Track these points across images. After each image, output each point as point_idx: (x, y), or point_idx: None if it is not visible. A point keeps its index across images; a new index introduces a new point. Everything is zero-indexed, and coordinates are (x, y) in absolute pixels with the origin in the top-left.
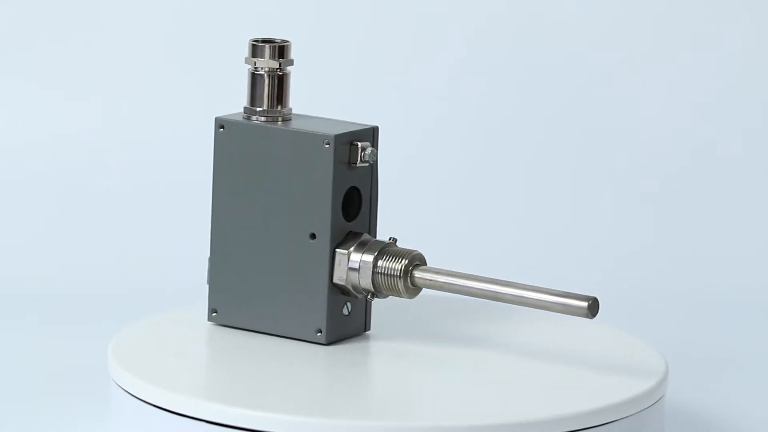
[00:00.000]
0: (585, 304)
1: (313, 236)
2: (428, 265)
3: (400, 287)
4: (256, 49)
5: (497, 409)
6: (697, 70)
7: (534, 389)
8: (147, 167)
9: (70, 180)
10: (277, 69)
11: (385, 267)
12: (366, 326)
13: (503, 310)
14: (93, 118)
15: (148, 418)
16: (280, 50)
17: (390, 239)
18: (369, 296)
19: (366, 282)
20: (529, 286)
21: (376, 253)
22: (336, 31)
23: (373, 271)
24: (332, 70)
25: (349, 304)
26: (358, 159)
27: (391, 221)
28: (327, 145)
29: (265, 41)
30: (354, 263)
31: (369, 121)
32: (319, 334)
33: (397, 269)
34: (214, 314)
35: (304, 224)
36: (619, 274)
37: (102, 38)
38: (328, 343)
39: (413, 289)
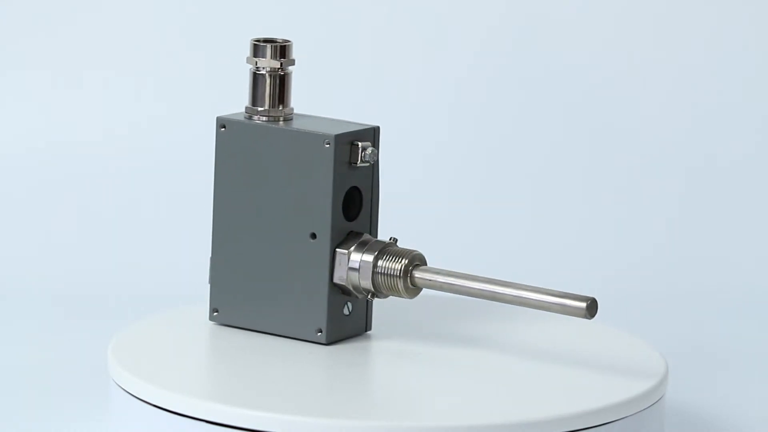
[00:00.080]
0: (583, 304)
1: (313, 236)
2: (429, 265)
3: (400, 287)
4: (257, 48)
5: (497, 409)
6: (699, 71)
7: (534, 389)
8: (147, 167)
9: (70, 180)
10: (278, 69)
11: (385, 267)
12: (367, 326)
13: (503, 310)
14: (92, 118)
15: (148, 418)
16: (282, 50)
17: (390, 239)
18: (369, 296)
19: (366, 282)
20: (528, 286)
21: (376, 253)
22: (339, 31)
23: (373, 271)
24: (334, 70)
25: (349, 303)
26: (359, 159)
27: (392, 221)
28: (327, 145)
29: (266, 41)
30: (354, 263)
31: (371, 122)
32: (319, 333)
33: (397, 269)
34: (215, 314)
35: (304, 224)
36: (620, 274)
37: (102, 38)
38: (329, 343)
39: (413, 289)
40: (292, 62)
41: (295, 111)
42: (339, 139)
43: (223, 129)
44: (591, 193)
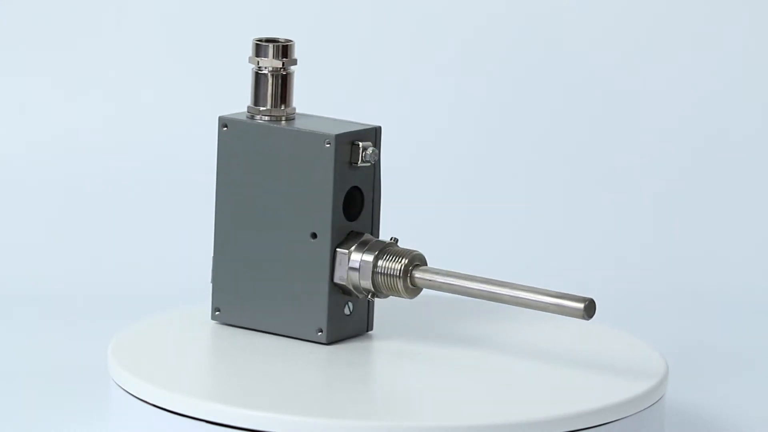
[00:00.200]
0: (581, 305)
1: (314, 236)
2: (429, 265)
3: (399, 287)
4: (259, 48)
5: (497, 409)
6: (697, 70)
7: (534, 389)
8: (148, 167)
9: (70, 180)
10: (280, 68)
11: (385, 267)
12: (368, 326)
13: (504, 310)
14: (93, 117)
15: (148, 418)
16: (284, 50)
17: (391, 239)
18: (369, 296)
19: (366, 282)
20: (526, 286)
21: (376, 253)
22: (340, 31)
23: (373, 271)
24: (335, 70)
25: (350, 303)
26: (360, 159)
27: (393, 221)
28: (328, 145)
29: (268, 41)
30: (354, 263)
31: (372, 122)
32: (319, 333)
33: (397, 269)
34: (217, 313)
35: (305, 223)
36: (619, 274)
37: (103, 38)
38: (329, 343)
39: (413, 289)
40: (294, 62)
41: (299, 111)
42: (339, 138)
43: (225, 128)
44: (592, 192)
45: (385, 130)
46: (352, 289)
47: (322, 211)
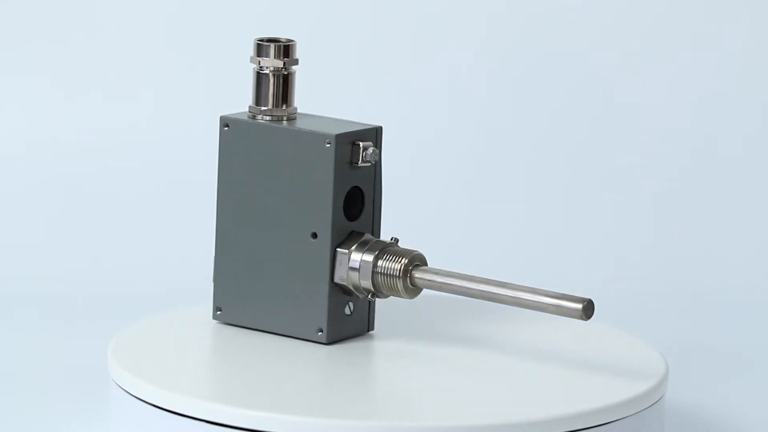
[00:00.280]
0: (579, 306)
1: (314, 235)
2: (430, 265)
3: (399, 287)
4: (261, 48)
5: (497, 409)
6: (697, 70)
7: (534, 389)
8: (148, 167)
9: (70, 180)
10: (281, 68)
11: (384, 267)
12: (369, 326)
13: (504, 310)
14: (93, 117)
15: (148, 418)
16: (285, 49)
17: (392, 239)
18: (369, 296)
19: (366, 282)
20: (525, 287)
21: (376, 253)
22: (341, 31)
23: (372, 271)
24: (335, 70)
25: (351, 303)
26: (360, 159)
27: (394, 221)
28: (328, 145)
29: (270, 41)
30: (354, 263)
31: (372, 122)
32: (320, 333)
33: (397, 269)
34: (218, 312)
35: (305, 223)
36: (619, 274)
37: (103, 38)
38: (329, 343)
39: (413, 289)
40: (296, 62)
41: (302, 111)
42: (340, 138)
43: (226, 128)
44: (592, 192)
45: (386, 130)
46: (352, 289)
47: (323, 211)
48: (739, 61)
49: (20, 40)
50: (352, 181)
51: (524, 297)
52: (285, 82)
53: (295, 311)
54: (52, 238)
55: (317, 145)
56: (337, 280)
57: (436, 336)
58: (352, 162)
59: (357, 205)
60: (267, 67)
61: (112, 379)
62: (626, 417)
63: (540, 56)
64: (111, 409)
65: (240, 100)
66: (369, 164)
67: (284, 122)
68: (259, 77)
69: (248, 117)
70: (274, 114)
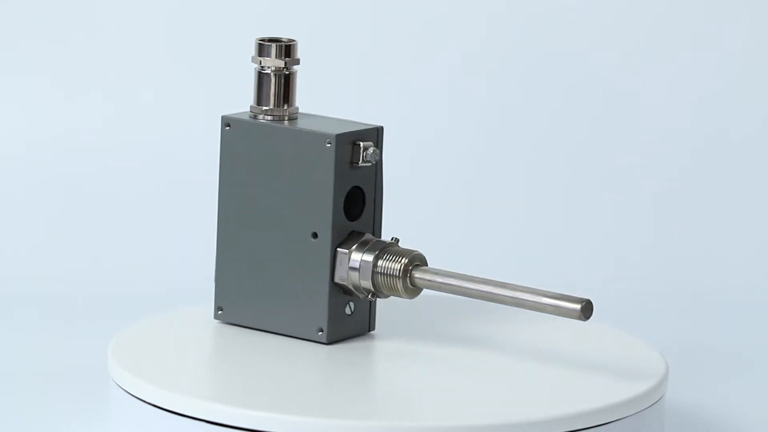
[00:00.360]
0: (578, 306)
1: (315, 235)
2: (430, 265)
3: (399, 287)
4: (262, 48)
5: (497, 409)
6: (697, 70)
7: (534, 389)
8: (148, 167)
9: (70, 180)
10: (283, 68)
11: (384, 267)
12: (370, 326)
13: (504, 310)
14: (93, 117)
15: (148, 418)
16: (287, 49)
17: (392, 239)
18: (369, 296)
19: (366, 282)
20: (524, 287)
21: (376, 253)
22: (341, 31)
23: (372, 271)
24: (335, 70)
25: (351, 303)
26: (361, 159)
27: (394, 221)
28: (328, 145)
29: (271, 40)
30: (355, 263)
31: (372, 122)
32: (320, 333)
33: (396, 269)
34: (219, 312)
35: (306, 223)
36: (619, 274)
37: (103, 37)
38: (330, 343)
39: (413, 289)
40: (297, 61)
41: (305, 111)
42: (340, 138)
43: (227, 128)
44: (592, 192)
45: (386, 130)
46: (352, 288)
47: (323, 211)
48: (739, 61)
49: (20, 40)
50: (353, 181)
51: (523, 297)
52: (286, 82)
53: (295, 311)
54: (52, 238)
55: (318, 145)
56: (337, 280)
57: (436, 336)
58: (353, 162)
59: (358, 205)
60: (268, 67)
61: (112, 379)
62: (626, 417)
63: (540, 56)
64: (111, 409)
65: (239, 100)
66: (369, 164)
67: (285, 122)
68: (261, 77)
69: (249, 117)
70: (275, 114)
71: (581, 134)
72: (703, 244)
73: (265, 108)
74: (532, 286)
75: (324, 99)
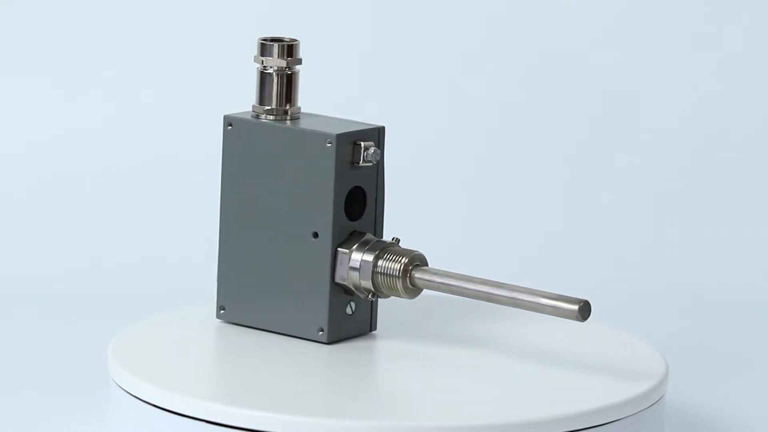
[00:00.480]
0: (575, 307)
1: (315, 235)
2: (431, 265)
3: (399, 287)
4: (264, 48)
5: (497, 409)
6: (697, 70)
7: (534, 389)
8: (148, 167)
9: (70, 180)
10: (285, 68)
11: (384, 267)
12: (372, 326)
13: (504, 310)
14: (93, 117)
15: (148, 418)
16: (289, 49)
17: (393, 239)
18: (370, 296)
19: (366, 282)
20: (523, 288)
21: (376, 253)
22: (341, 31)
23: (373, 271)
24: (335, 70)
25: (353, 303)
26: (361, 159)
27: (393, 221)
28: (329, 144)
29: (273, 40)
30: (355, 262)
31: (372, 121)
32: (320, 332)
33: (396, 269)
34: (221, 311)
35: (307, 223)
36: (619, 274)
37: (103, 37)
38: (330, 342)
39: (413, 289)
40: (299, 61)
41: (308, 111)
42: (341, 138)
43: (229, 127)
44: (592, 192)
45: (389, 130)
46: (353, 288)
47: (324, 211)
48: (739, 61)
49: (20, 40)
50: (354, 181)
51: (521, 298)
52: (288, 82)
53: (296, 310)
54: (52, 238)
55: (318, 144)
56: (337, 279)
57: (437, 336)
58: (354, 162)
59: (359, 204)
60: (270, 67)
61: (112, 379)
62: (626, 417)
63: (540, 56)
64: (111, 409)
65: (239, 100)
66: (370, 164)
67: (287, 122)
68: (263, 77)
69: (252, 116)
70: (277, 113)
71: (581, 134)
72: (703, 244)
73: (267, 108)
74: (531, 287)
75: (323, 99)
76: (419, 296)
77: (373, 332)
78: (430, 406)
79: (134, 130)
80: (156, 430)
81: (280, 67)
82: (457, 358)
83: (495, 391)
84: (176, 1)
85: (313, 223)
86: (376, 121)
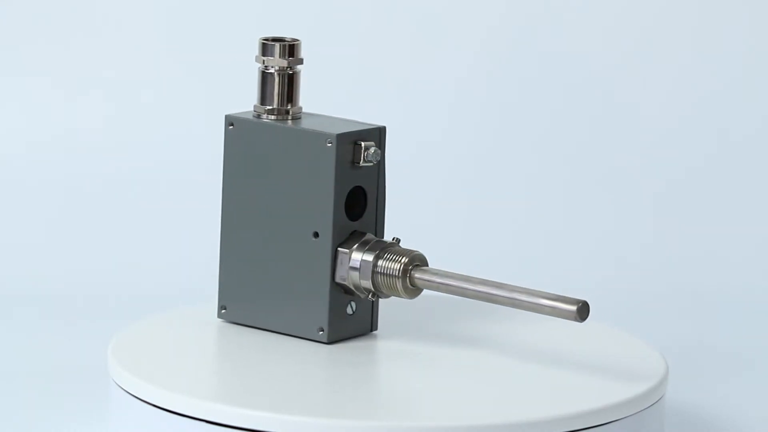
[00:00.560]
0: (574, 307)
1: (316, 235)
2: (431, 265)
3: (399, 287)
4: (266, 47)
5: (497, 409)
6: (697, 70)
7: (534, 389)
8: (148, 167)
9: (70, 180)
10: (286, 67)
11: (384, 267)
12: (372, 326)
13: (504, 310)
14: (93, 117)
15: (148, 418)
16: (290, 49)
17: (393, 239)
18: (370, 296)
19: (366, 281)
20: (522, 288)
21: (377, 253)
22: (341, 31)
23: (372, 271)
24: (336, 70)
25: (353, 303)
26: (362, 159)
27: (393, 221)
28: (329, 144)
29: (275, 40)
30: (355, 262)
31: (372, 121)
32: (321, 332)
33: (396, 269)
34: (223, 311)
35: (307, 222)
36: (619, 274)
37: (103, 37)
38: (330, 342)
39: (413, 289)
40: (300, 61)
41: (311, 111)
42: (341, 138)
43: (231, 127)
44: (592, 192)
45: (390, 130)
46: (353, 288)
47: (324, 211)
48: (739, 61)
49: (20, 40)
50: (354, 181)
51: (520, 298)
52: (290, 82)
53: (297, 310)
54: (52, 238)
55: (319, 144)
56: (338, 279)
57: (437, 336)
58: (354, 162)
59: (360, 204)
60: (272, 67)
61: (112, 379)
62: (626, 417)
63: (540, 56)
64: (111, 409)
65: (239, 100)
66: (371, 164)
67: (288, 121)
68: (264, 76)
69: (253, 116)
70: (278, 113)
71: (581, 134)
72: (703, 244)
73: (268, 107)
74: (531, 287)
75: (323, 99)
76: (419, 296)
77: (373, 332)
78: (430, 406)
79: (134, 130)
80: (156, 430)
81: (282, 67)
82: (457, 358)
83: (495, 391)
84: (176, 1)
85: (313, 223)
86: (375, 121)
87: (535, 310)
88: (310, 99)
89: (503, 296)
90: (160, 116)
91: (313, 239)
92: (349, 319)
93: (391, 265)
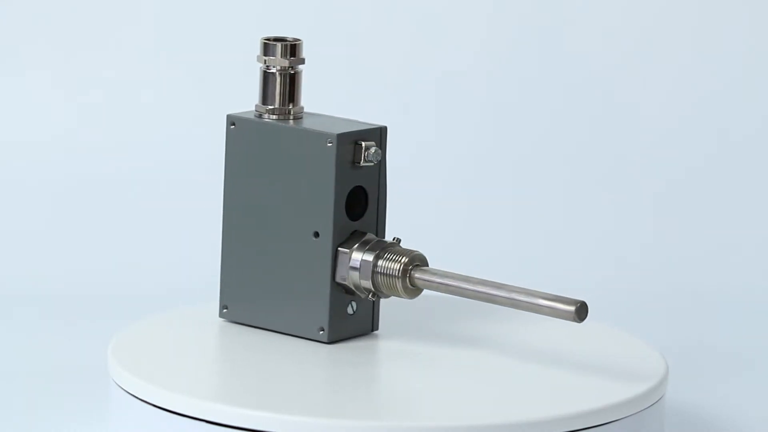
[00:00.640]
0: (572, 308)
1: (316, 234)
2: (432, 265)
3: (398, 287)
4: (267, 47)
5: (497, 409)
6: (697, 70)
7: (534, 389)
8: (148, 167)
9: (70, 180)
10: (288, 67)
11: (384, 267)
12: (373, 326)
13: (504, 310)
14: (93, 117)
15: (148, 418)
16: (292, 49)
17: (394, 239)
18: (370, 296)
19: (366, 281)
20: (521, 289)
21: (377, 253)
22: (342, 32)
23: (373, 271)
24: (336, 70)
25: (354, 303)
26: (362, 158)
27: (393, 221)
28: (330, 144)
29: (276, 40)
30: (355, 262)
31: (372, 121)
32: (321, 332)
33: (396, 269)
34: (224, 310)
35: (308, 222)
36: (619, 274)
37: (103, 37)
38: (331, 342)
39: (412, 289)
40: (302, 61)
41: (312, 111)
42: (342, 138)
43: (232, 126)
44: (592, 192)
45: (391, 130)
46: (353, 288)
47: (324, 210)
48: (739, 61)
49: (20, 40)
50: (355, 181)
51: (519, 299)
52: (291, 81)
53: (297, 310)
54: (52, 239)
55: (319, 144)
56: (338, 279)
57: (437, 336)
58: (355, 162)
59: (361, 204)
60: (273, 66)
61: (112, 379)
62: (626, 417)
63: (540, 56)
64: (111, 409)
65: (239, 99)
66: (371, 164)
67: (290, 121)
68: (266, 76)
69: (255, 116)
70: (279, 113)
71: (581, 134)
72: (703, 244)
73: (269, 107)
74: (531, 287)
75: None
76: (419, 296)
77: (374, 332)
78: (430, 406)
79: (134, 130)
80: (156, 430)
81: (283, 67)
82: (457, 358)
83: (495, 391)
84: (177, 1)
85: (314, 223)
86: (374, 121)
87: (533, 310)
88: (311, 99)
89: (503, 296)
90: (160, 116)
91: (314, 239)
92: (350, 319)
93: (391, 265)
